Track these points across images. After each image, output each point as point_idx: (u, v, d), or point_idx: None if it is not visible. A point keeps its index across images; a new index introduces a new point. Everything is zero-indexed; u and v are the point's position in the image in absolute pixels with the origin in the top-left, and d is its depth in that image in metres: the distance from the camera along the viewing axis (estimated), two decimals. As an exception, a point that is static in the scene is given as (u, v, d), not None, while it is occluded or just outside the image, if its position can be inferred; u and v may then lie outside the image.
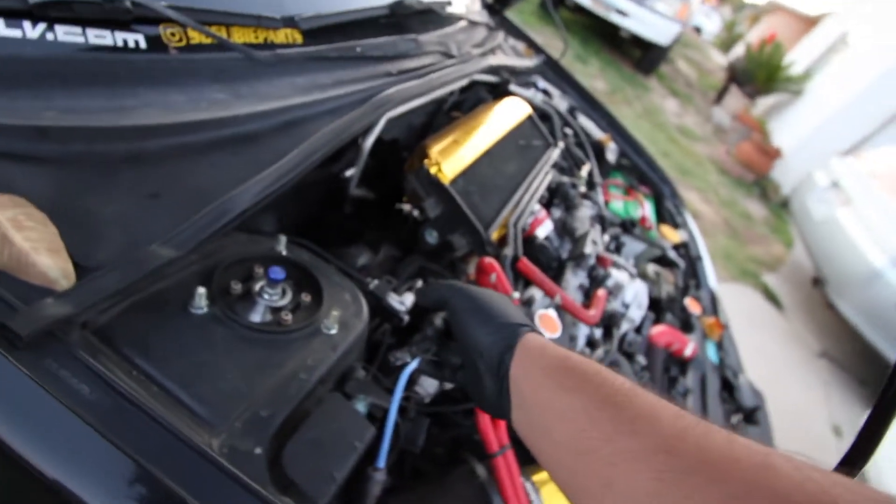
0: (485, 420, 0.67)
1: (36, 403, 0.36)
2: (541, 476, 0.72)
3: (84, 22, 0.55)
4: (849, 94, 5.97)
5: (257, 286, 0.57)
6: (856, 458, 0.34)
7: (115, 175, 0.51)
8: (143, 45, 0.60)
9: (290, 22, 0.77)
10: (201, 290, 0.51)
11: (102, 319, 0.46)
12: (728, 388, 1.30)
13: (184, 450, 0.40)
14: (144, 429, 0.39)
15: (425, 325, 0.63)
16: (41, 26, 0.52)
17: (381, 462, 0.56)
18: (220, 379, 0.48)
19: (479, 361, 0.47)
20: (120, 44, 0.58)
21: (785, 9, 12.36)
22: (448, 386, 0.74)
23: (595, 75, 6.11)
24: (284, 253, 0.64)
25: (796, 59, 7.86)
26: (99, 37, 0.56)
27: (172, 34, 0.63)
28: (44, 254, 0.42)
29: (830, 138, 5.76)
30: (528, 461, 0.76)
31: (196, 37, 0.65)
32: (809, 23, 10.10)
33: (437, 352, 0.60)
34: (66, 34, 0.54)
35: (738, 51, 10.48)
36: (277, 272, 0.55)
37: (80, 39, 0.55)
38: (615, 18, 6.11)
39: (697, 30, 15.42)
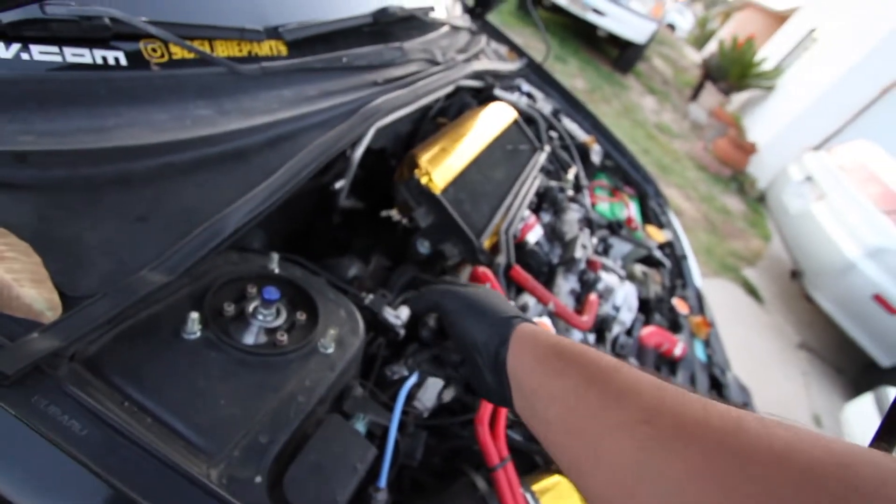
0: (484, 432, 0.67)
1: (24, 444, 0.35)
2: (541, 485, 0.72)
3: (61, 40, 0.53)
4: (819, 88, 6.15)
5: (251, 307, 0.55)
6: (887, 435, 0.36)
7: (99, 199, 0.49)
8: (123, 61, 0.58)
9: (274, 34, 0.76)
10: (194, 315, 0.49)
11: (91, 350, 0.44)
12: (717, 385, 1.32)
13: (182, 482, 0.39)
14: (139, 463, 0.38)
15: (419, 328, 0.63)
16: (15, 46, 0.50)
17: (383, 482, 0.55)
18: (216, 406, 0.47)
19: (477, 357, 0.50)
20: (99, 61, 0.56)
21: (754, 5, 12.68)
22: (447, 399, 0.74)
23: (574, 74, 6.18)
24: (277, 271, 0.63)
25: (768, 55, 8.07)
26: (77, 55, 0.54)
27: (153, 50, 0.61)
28: (28, 285, 0.40)
29: (803, 133, 5.94)
30: (527, 471, 0.77)
31: (178, 52, 0.63)
32: (779, 18, 10.39)
33: (436, 352, 0.61)
34: (42, 53, 0.52)
35: (712, 47, 10.72)
36: (272, 292, 0.54)
37: (58, 58, 0.53)
38: (592, 18, 6.19)
39: (672, 27, 15.73)
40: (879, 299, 3.25)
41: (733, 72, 7.62)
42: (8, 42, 0.49)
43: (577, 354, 0.43)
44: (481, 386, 0.51)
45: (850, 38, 6.22)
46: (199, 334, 0.50)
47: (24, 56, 0.51)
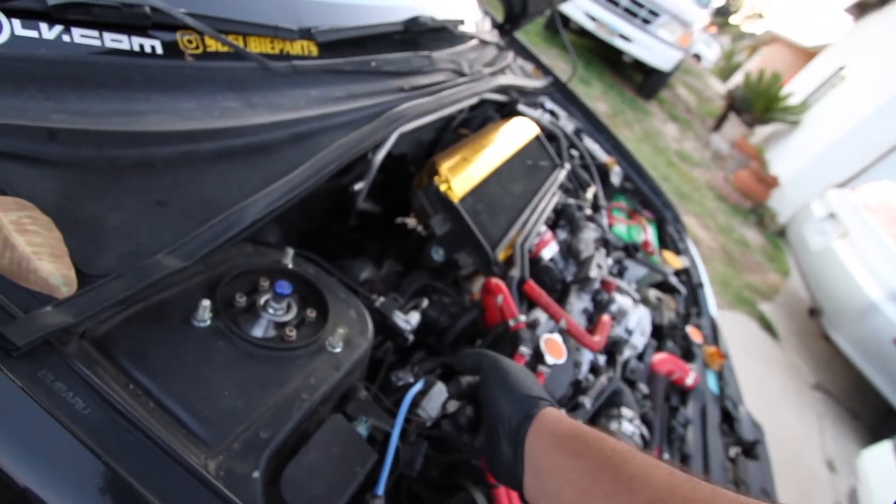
0: (487, 446, 0.65)
1: (27, 416, 0.35)
2: (541, 506, 0.70)
3: (101, 25, 0.54)
4: (845, 126, 6.06)
5: (262, 300, 0.55)
6: None
7: (123, 181, 0.50)
8: (159, 50, 0.59)
9: (307, 34, 0.77)
10: (206, 303, 0.49)
11: (102, 329, 0.44)
12: (728, 419, 1.28)
13: (178, 471, 0.38)
14: (138, 447, 0.38)
15: (451, 385, 0.63)
16: (58, 28, 0.51)
17: (381, 489, 0.54)
18: (220, 396, 0.46)
19: (499, 426, 0.51)
20: (136, 48, 0.57)
21: (782, 40, 12.65)
22: (451, 409, 0.73)
23: (597, 97, 6.19)
24: (291, 266, 0.63)
25: (794, 90, 8.01)
26: (115, 41, 0.55)
27: (189, 41, 0.62)
28: (46, 259, 0.41)
29: (827, 169, 5.84)
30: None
31: (213, 45, 0.65)
32: (807, 55, 10.33)
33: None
34: (83, 37, 0.53)
35: (737, 79, 10.68)
36: (284, 286, 0.53)
37: (97, 42, 0.54)
38: (618, 43, 6.22)
39: (697, 57, 15.74)
40: (901, 344, 3.14)
41: (758, 104, 7.57)
42: (52, 23, 0.51)
43: (595, 438, 0.44)
44: (495, 459, 0.51)
45: (878, 79, 6.14)
46: (209, 323, 0.50)
47: (66, 38, 0.52)
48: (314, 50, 0.79)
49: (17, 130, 0.44)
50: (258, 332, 0.53)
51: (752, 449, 1.22)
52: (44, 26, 0.51)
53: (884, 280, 3.24)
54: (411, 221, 1.03)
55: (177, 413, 0.43)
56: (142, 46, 0.58)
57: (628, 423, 0.87)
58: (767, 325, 4.24)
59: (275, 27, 0.73)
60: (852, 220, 3.81)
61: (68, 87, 0.51)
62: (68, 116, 0.49)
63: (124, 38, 0.56)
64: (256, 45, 0.71)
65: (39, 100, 0.49)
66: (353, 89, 0.82)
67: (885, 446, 2.11)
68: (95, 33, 0.54)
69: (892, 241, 3.41)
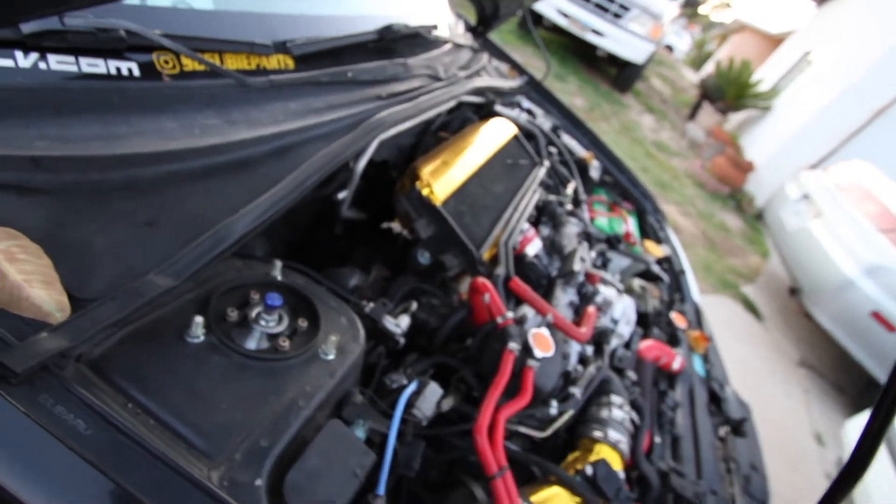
0: (483, 441, 0.67)
1: (31, 441, 0.35)
2: (539, 496, 0.72)
3: (77, 51, 0.55)
4: (814, 109, 6.24)
5: (254, 312, 0.56)
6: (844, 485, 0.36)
7: (109, 204, 0.51)
8: (136, 72, 0.60)
9: (282, 48, 0.78)
10: (198, 319, 0.50)
11: (97, 351, 0.45)
12: (715, 400, 1.32)
13: (183, 484, 0.39)
14: (142, 463, 0.39)
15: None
16: (33, 55, 0.52)
17: (382, 489, 0.55)
18: (218, 409, 0.47)
19: None
20: (113, 72, 0.58)
21: (750, 28, 12.95)
22: (445, 408, 0.74)
23: (573, 93, 6.27)
24: (280, 278, 0.64)
25: (764, 77, 8.21)
26: (92, 65, 0.56)
27: (166, 62, 0.63)
28: (38, 286, 0.41)
29: (800, 152, 6.00)
30: (525, 482, 0.76)
31: (189, 64, 0.65)
32: (774, 41, 10.59)
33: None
34: (59, 63, 0.54)
35: (709, 68, 10.91)
36: (275, 298, 0.55)
37: (73, 68, 0.54)
38: (591, 38, 6.31)
39: (670, 48, 16.02)
40: (878, 316, 3.25)
41: (730, 92, 7.74)
42: (27, 51, 0.51)
43: None
44: None
45: (844, 61, 6.34)
46: (202, 338, 0.51)
47: (42, 65, 0.52)
48: (290, 63, 0.80)
49: (1, 160, 0.44)
50: (251, 344, 0.54)
51: (739, 427, 1.26)
52: (19, 54, 0.51)
53: (858, 256, 3.35)
54: (396, 227, 1.04)
55: (177, 428, 0.44)
56: (118, 69, 0.58)
57: (618, 410, 0.90)
58: (751, 307, 4.34)
59: (250, 43, 0.74)
60: (825, 200, 3.93)
61: (48, 114, 0.51)
62: (50, 143, 0.49)
63: (100, 62, 0.57)
64: (233, 62, 0.72)
65: (20, 128, 0.49)
66: (331, 100, 0.83)
67: (867, 415, 2.19)
68: (72, 59, 0.55)
69: (864, 218, 3.53)
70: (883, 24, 5.90)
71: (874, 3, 6.62)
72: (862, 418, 2.18)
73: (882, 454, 1.76)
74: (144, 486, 0.37)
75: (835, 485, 0.35)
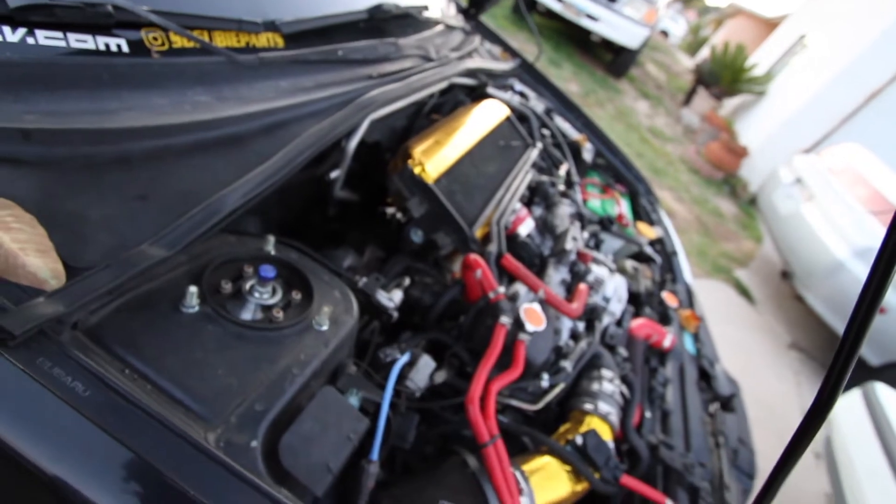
0: (475, 411, 0.69)
1: (31, 400, 0.37)
2: (530, 465, 0.74)
3: (65, 26, 0.55)
4: (808, 93, 6.24)
5: (248, 285, 0.57)
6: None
7: (101, 177, 0.51)
8: (125, 48, 0.60)
9: (271, 26, 0.78)
10: (192, 289, 0.51)
11: (93, 319, 0.46)
12: (705, 377, 1.34)
13: (181, 444, 0.40)
14: (141, 425, 0.40)
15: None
16: (21, 30, 0.52)
17: (375, 455, 0.57)
18: (213, 375, 0.48)
19: None
20: (102, 48, 0.58)
21: (746, 12, 12.87)
22: (438, 381, 0.76)
23: (568, 78, 6.24)
24: (273, 253, 0.65)
25: (759, 61, 8.18)
26: (80, 41, 0.56)
27: (155, 38, 0.63)
28: (33, 254, 0.42)
29: (793, 136, 6.02)
30: (516, 453, 0.78)
31: (178, 41, 0.65)
32: (769, 25, 10.54)
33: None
34: (47, 38, 0.54)
35: (704, 53, 10.86)
36: (268, 270, 0.56)
37: (62, 43, 0.54)
38: (586, 23, 6.26)
39: (665, 34, 15.92)
40: (868, 299, 3.29)
41: (725, 77, 7.72)
42: (14, 26, 0.51)
43: None
44: None
45: (838, 45, 6.32)
46: (197, 308, 0.52)
47: (30, 40, 0.52)
48: (280, 42, 0.80)
49: (-8, 132, 0.45)
50: (246, 315, 0.55)
51: (728, 402, 1.28)
52: (7, 29, 0.51)
53: (849, 239, 3.39)
54: (390, 209, 1.05)
55: (174, 393, 0.45)
56: (107, 45, 0.58)
57: (608, 383, 0.92)
58: (744, 291, 4.39)
59: (239, 21, 0.73)
60: (817, 183, 3.95)
61: (37, 88, 0.51)
62: (40, 117, 0.50)
63: (89, 37, 0.57)
64: (222, 40, 0.72)
65: (8, 102, 0.49)
66: (321, 79, 0.83)
67: (854, 394, 2.23)
68: (60, 34, 0.55)
69: (856, 201, 3.56)
70: (876, 8, 5.88)
71: (869, -14, 6.59)
72: (849, 397, 2.23)
73: (881, 461, 1.80)
74: (142, 445, 0.38)
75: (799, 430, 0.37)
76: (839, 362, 0.32)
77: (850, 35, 6.13)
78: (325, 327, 0.59)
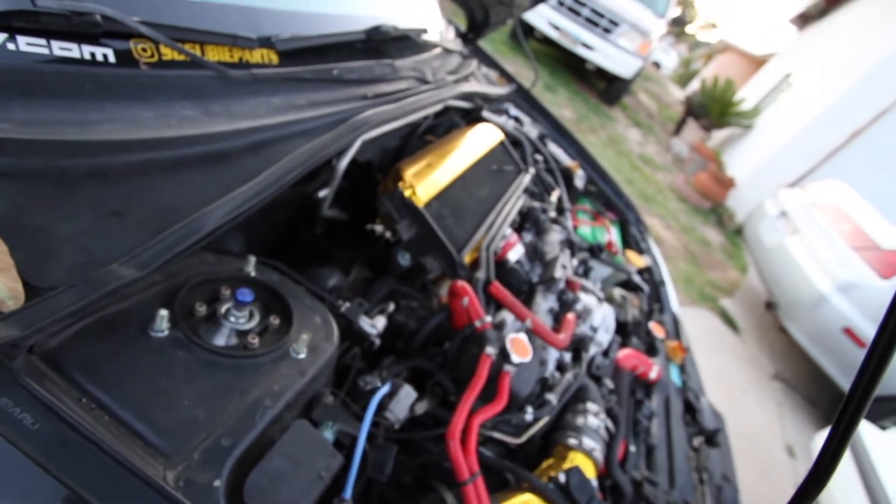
0: (455, 447, 0.66)
1: (-28, 436, 0.34)
2: (511, 503, 0.71)
3: (49, 33, 0.53)
4: (794, 129, 6.43)
5: (223, 308, 0.55)
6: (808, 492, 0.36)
7: (75, 191, 0.49)
8: (111, 59, 0.58)
9: (266, 42, 0.77)
10: (163, 313, 0.48)
11: (53, 343, 0.43)
12: (691, 410, 1.33)
13: (134, 482, 0.38)
14: (91, 460, 0.37)
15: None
16: (1, 36, 0.50)
17: (348, 493, 0.54)
18: (179, 406, 0.46)
19: None
20: (87, 57, 0.56)
21: (735, 48, 13.33)
22: (419, 411, 0.73)
23: (563, 104, 6.35)
24: (253, 274, 0.62)
25: (747, 96, 8.44)
26: (65, 49, 0.54)
27: (143, 49, 0.61)
28: (-9, 273, 0.39)
29: (779, 170, 6.16)
30: (497, 489, 0.76)
31: (168, 53, 0.64)
32: (757, 62, 10.91)
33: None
34: (29, 45, 0.52)
35: (695, 86, 11.17)
36: (245, 294, 0.53)
37: (44, 51, 0.53)
38: (581, 51, 6.41)
39: (657, 65, 16.38)
40: (849, 332, 3.33)
41: (714, 110, 7.93)
42: (-6, 31, 0.49)
43: None
44: None
45: (823, 84, 6.55)
46: (167, 333, 0.49)
47: (10, 46, 0.51)
48: (274, 58, 0.79)
49: (-42, 141, 0.43)
50: (220, 340, 0.53)
51: (713, 437, 1.27)
52: (-14, 34, 0.49)
53: (832, 273, 3.44)
54: (379, 228, 1.03)
55: (133, 425, 0.43)
56: (93, 55, 0.57)
57: (594, 418, 0.90)
58: (729, 320, 4.42)
59: (233, 36, 0.72)
60: (802, 217, 4.03)
61: (14, 96, 0.49)
62: (14, 126, 0.48)
63: (74, 46, 0.55)
64: (214, 54, 0.70)
65: (-18, 109, 0.47)
66: (314, 97, 0.82)
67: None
68: (43, 41, 0.53)
69: (838, 236, 3.63)
70: (860, 50, 6.13)
71: (851, 30, 6.87)
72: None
73: (848, 464, 1.80)
74: (92, 486, 0.35)
75: (797, 496, 0.35)
76: (837, 434, 0.30)
77: (835, 75, 6.36)
78: (302, 355, 0.56)
